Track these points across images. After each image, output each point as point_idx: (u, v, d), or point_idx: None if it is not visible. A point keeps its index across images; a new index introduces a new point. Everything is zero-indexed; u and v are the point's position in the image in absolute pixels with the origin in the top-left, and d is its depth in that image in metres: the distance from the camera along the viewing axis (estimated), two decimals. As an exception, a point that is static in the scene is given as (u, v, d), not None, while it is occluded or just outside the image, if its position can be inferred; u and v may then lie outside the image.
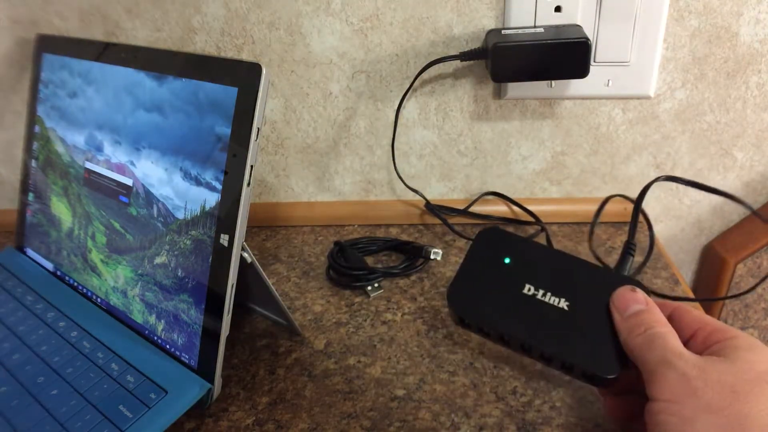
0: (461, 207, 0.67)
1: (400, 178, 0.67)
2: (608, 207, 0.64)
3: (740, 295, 0.66)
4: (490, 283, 0.32)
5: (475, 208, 0.67)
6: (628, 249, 0.39)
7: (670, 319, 0.31)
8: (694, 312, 0.32)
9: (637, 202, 0.40)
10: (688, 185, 0.39)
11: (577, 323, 0.31)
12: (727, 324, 0.32)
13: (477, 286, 0.33)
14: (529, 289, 0.31)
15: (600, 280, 0.31)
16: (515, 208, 0.67)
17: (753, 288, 0.57)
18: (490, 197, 0.68)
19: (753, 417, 0.24)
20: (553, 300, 0.31)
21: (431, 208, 0.67)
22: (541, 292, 0.31)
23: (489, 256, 0.33)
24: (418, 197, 0.68)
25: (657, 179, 0.39)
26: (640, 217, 0.61)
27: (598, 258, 0.59)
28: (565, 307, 0.31)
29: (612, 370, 0.30)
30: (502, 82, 0.59)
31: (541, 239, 0.62)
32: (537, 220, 0.65)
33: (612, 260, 0.60)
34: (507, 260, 0.32)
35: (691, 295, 0.55)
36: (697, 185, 0.39)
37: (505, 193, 0.67)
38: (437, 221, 0.67)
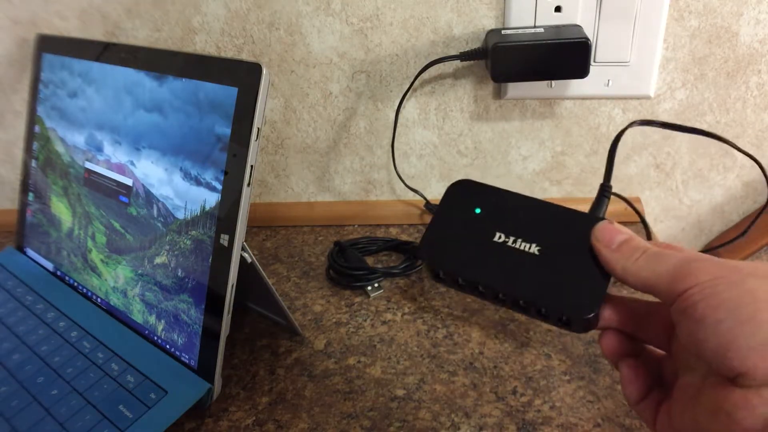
0: (461, 207, 0.67)
1: (400, 178, 0.67)
2: (608, 207, 0.64)
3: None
4: (462, 234, 0.32)
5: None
6: (603, 191, 0.37)
7: None
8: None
9: (613, 144, 0.38)
10: (665, 127, 0.37)
11: (548, 267, 0.30)
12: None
13: (449, 238, 0.32)
14: (500, 237, 0.31)
15: (571, 223, 0.31)
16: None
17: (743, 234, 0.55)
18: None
19: None
20: (523, 246, 0.31)
21: (431, 208, 0.67)
22: (511, 238, 0.31)
23: (460, 207, 0.32)
24: (418, 197, 0.68)
25: (632, 124, 0.37)
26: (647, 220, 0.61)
27: None
28: (536, 252, 0.30)
29: (587, 310, 0.29)
30: (502, 82, 0.59)
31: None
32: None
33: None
34: (478, 210, 0.32)
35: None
36: (673, 126, 0.37)
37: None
38: (437, 221, 0.67)
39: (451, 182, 0.34)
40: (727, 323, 0.23)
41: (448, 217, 0.33)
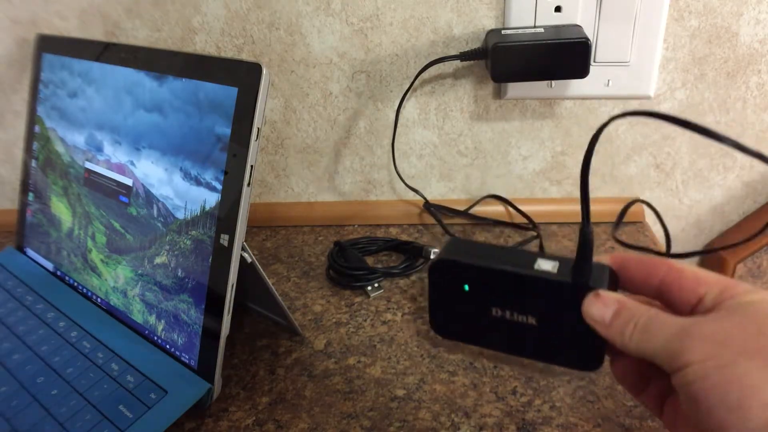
0: (461, 207, 0.67)
1: (400, 178, 0.67)
2: (608, 207, 0.64)
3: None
4: (461, 311, 0.34)
5: (473, 210, 0.67)
6: (585, 241, 0.29)
7: (664, 284, 0.29)
8: (690, 270, 0.29)
9: (587, 153, 0.27)
10: (659, 118, 0.26)
11: (549, 334, 0.32)
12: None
13: (452, 314, 0.34)
14: (497, 312, 0.32)
15: (559, 292, 0.31)
16: (512, 210, 0.67)
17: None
18: (489, 198, 0.68)
19: None
20: (521, 318, 0.32)
21: (429, 208, 0.67)
22: (507, 312, 0.32)
23: (449, 287, 0.33)
24: (418, 197, 0.68)
25: (624, 114, 0.27)
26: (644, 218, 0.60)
27: None
28: (534, 323, 0.31)
29: (593, 366, 0.31)
30: (502, 82, 0.59)
31: (535, 246, 0.62)
32: (532, 223, 0.65)
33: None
34: (466, 287, 0.33)
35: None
36: (663, 117, 0.27)
37: (505, 194, 0.67)
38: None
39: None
40: (718, 409, 0.23)
41: (442, 296, 0.34)
